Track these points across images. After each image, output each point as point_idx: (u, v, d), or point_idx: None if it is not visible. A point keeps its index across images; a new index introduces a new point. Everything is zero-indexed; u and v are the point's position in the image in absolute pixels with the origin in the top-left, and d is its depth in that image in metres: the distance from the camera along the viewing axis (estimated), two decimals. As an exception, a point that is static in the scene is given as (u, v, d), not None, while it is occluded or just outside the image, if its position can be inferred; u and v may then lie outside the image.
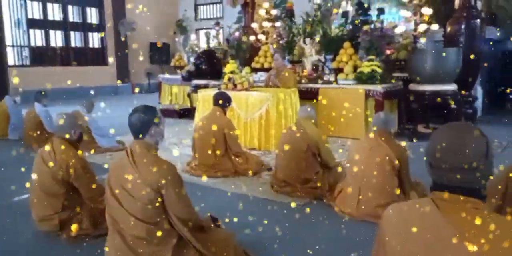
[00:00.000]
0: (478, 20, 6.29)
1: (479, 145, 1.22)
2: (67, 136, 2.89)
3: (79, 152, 2.92)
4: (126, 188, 2.13)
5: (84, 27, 13.34)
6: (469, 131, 1.23)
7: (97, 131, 5.41)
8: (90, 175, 2.86)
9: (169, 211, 2.14)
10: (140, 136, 2.18)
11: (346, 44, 6.82)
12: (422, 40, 6.11)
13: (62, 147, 2.83)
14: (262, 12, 7.80)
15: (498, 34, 8.40)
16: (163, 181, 2.07)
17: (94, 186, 2.85)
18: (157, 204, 2.11)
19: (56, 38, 12.67)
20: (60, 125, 2.91)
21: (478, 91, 7.58)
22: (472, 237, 1.12)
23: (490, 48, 7.61)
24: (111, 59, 13.42)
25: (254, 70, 7.68)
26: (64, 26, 12.81)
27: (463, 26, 6.27)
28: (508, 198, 2.13)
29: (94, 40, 13.70)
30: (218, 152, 4.23)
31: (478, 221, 1.15)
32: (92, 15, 13.57)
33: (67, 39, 12.90)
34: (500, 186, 2.13)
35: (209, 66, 7.83)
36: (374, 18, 7.43)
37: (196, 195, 3.23)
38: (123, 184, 2.14)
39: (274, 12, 7.93)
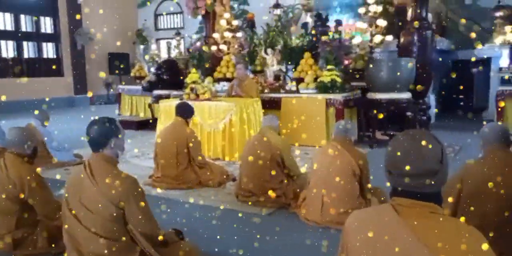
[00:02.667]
0: (429, 31, 6.61)
1: (434, 151, 1.27)
2: (20, 150, 2.75)
3: (34, 167, 2.79)
4: (84, 204, 2.05)
5: (38, 37, 12.84)
6: (424, 138, 1.28)
7: (52, 145, 5.18)
8: (46, 191, 2.72)
9: (130, 225, 2.08)
10: (99, 149, 2.12)
11: (306, 54, 6.97)
12: (377, 53, 6.34)
13: (15, 162, 2.69)
14: (223, 22, 7.83)
15: (447, 44, 8.90)
16: (124, 195, 2.01)
17: (50, 203, 2.72)
18: (118, 219, 2.04)
19: (8, 49, 12.10)
20: (12, 140, 2.76)
21: (431, 98, 7.94)
22: (430, 241, 1.16)
23: (440, 57, 8.01)
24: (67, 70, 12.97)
25: (217, 80, 7.67)
26: (16, 36, 12.28)
27: (415, 37, 6.56)
28: (463, 197, 2.23)
29: (49, 50, 13.20)
30: (181, 164, 4.17)
31: (435, 225, 1.19)
32: (47, 24, 13.09)
33: (19, 49, 12.36)
34: (454, 188, 2.23)
35: (170, 76, 7.71)
36: (332, 29, 7.66)
37: (159, 208, 3.16)
38: (81, 199, 2.06)
39: (235, 22, 7.98)
